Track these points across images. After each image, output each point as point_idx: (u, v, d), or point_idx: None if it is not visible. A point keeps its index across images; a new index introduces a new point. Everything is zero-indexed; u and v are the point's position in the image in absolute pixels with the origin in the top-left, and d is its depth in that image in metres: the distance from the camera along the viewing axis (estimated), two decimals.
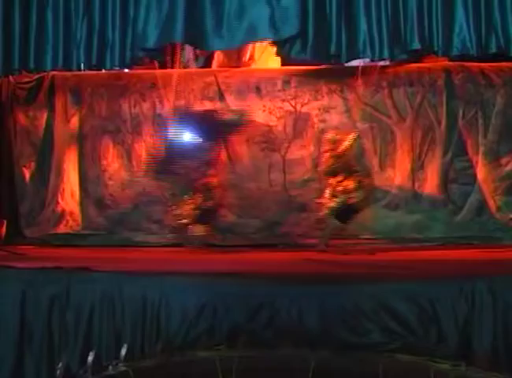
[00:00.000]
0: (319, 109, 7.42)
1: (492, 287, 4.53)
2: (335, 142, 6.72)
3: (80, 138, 7.66)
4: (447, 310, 4.53)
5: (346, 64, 6.77)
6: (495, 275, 4.70)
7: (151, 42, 5.45)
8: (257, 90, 7.48)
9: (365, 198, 6.66)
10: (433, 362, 4.18)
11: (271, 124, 7.48)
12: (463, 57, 5.89)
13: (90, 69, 6.64)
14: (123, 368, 4.14)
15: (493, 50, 5.35)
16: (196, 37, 5.46)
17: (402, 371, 4.23)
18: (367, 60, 6.48)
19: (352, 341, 4.51)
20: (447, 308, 4.53)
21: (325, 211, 6.67)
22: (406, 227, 7.27)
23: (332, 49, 5.43)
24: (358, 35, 5.38)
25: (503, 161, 7.26)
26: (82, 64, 5.81)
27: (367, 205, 6.80)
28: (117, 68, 6.87)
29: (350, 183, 6.58)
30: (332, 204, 6.60)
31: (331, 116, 7.41)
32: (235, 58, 7.55)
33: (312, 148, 7.41)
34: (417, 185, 7.35)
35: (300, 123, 7.43)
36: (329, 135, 6.90)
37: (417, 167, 7.37)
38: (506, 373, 4.24)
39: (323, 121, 7.41)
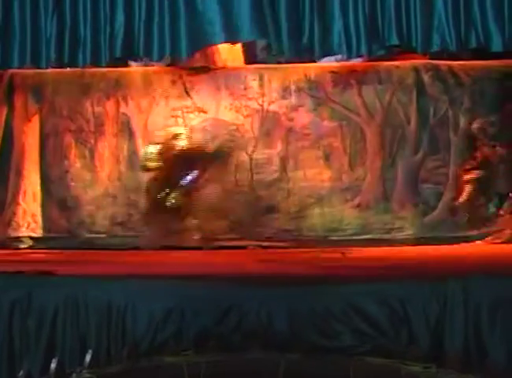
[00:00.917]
0: (287, 108, 7.35)
1: (465, 288, 4.50)
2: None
3: (41, 138, 7.49)
4: (418, 311, 4.49)
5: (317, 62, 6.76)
6: (468, 276, 4.66)
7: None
8: (224, 88, 7.39)
9: None
10: (404, 365, 4.17)
11: (237, 122, 7.39)
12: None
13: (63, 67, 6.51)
14: (87, 375, 4.10)
15: (473, 45, 5.30)
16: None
17: (373, 374, 4.24)
18: (339, 57, 6.43)
19: (322, 344, 4.46)
20: (418, 309, 4.50)
21: None
22: (375, 228, 7.23)
23: (304, 44, 5.34)
24: (333, 30, 5.28)
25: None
26: (51, 62, 5.68)
27: None
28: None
29: None
30: None
31: (299, 114, 7.33)
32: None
33: (279, 147, 7.34)
34: (387, 184, 7.31)
35: (268, 121, 7.36)
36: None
37: (388, 166, 7.34)
38: (477, 374, 4.25)
39: (291, 120, 7.34)
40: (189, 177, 7.12)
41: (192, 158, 7.20)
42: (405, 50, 6.27)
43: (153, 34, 5.33)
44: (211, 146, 7.24)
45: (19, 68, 6.43)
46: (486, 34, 5.25)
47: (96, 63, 5.67)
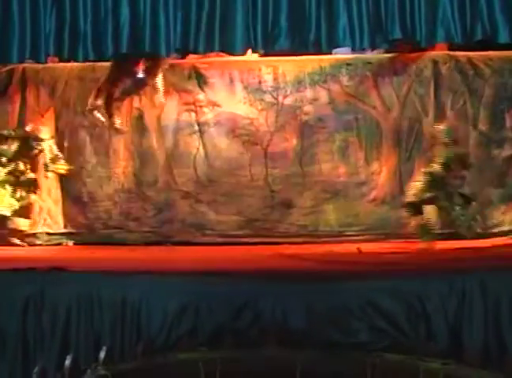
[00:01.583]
0: (302, 101, 7.27)
1: (483, 283, 4.45)
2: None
3: (56, 134, 7.46)
4: (436, 307, 4.45)
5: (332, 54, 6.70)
6: (486, 271, 4.59)
7: None
8: (238, 81, 7.33)
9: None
10: (423, 361, 4.11)
11: (252, 116, 7.33)
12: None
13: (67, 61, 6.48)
14: (102, 372, 4.04)
15: (479, 37, 5.29)
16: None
17: (391, 370, 4.17)
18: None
19: (339, 340, 4.42)
20: (437, 305, 4.46)
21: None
22: (392, 223, 7.14)
23: (311, 37, 5.30)
24: (338, 24, 5.26)
25: (494, 152, 7.16)
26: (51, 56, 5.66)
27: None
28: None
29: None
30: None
31: (314, 107, 7.26)
32: None
33: (295, 141, 7.27)
34: (403, 179, 7.23)
35: (282, 115, 7.29)
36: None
37: (405, 160, 7.25)
38: (497, 370, 4.18)
39: (306, 113, 7.26)
40: None
41: None
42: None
43: (161, 28, 5.31)
44: None
45: (19, 62, 6.41)
46: (493, 25, 5.22)
47: (99, 57, 5.66)
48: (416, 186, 6.46)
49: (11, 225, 7.11)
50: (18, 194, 7.07)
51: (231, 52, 5.95)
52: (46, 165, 7.24)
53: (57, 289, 4.54)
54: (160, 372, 4.18)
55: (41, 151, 7.23)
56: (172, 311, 4.44)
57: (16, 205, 7.04)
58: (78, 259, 5.68)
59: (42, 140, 7.25)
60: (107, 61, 6.86)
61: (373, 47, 5.77)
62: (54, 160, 7.23)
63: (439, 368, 4.03)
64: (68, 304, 4.49)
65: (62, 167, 7.24)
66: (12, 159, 7.10)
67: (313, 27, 5.29)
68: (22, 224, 7.15)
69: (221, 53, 6.74)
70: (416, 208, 6.43)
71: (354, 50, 6.24)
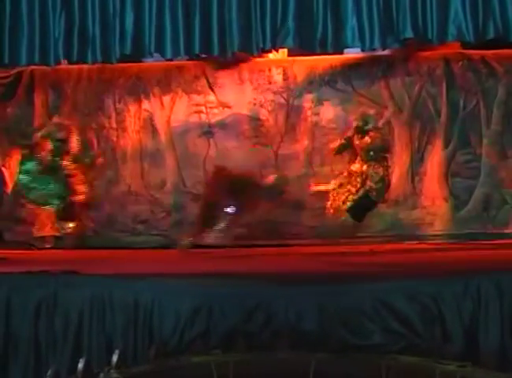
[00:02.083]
0: (312, 102, 7.23)
1: (499, 284, 4.40)
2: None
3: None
4: (451, 309, 4.40)
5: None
6: (502, 271, 4.55)
7: None
8: (247, 82, 7.30)
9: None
10: (438, 363, 4.07)
11: (262, 117, 7.30)
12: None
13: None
14: (115, 375, 4.02)
15: (491, 35, 5.25)
16: None
17: (406, 373, 4.14)
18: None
19: (353, 343, 4.37)
20: (452, 306, 4.40)
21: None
22: (405, 224, 7.10)
23: (318, 37, 5.29)
24: (346, 24, 5.24)
25: (509, 152, 7.12)
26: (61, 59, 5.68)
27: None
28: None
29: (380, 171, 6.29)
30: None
31: (325, 108, 7.22)
32: None
33: (306, 142, 7.24)
34: (416, 179, 7.18)
35: (293, 116, 7.26)
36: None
37: (417, 160, 7.20)
38: None
39: (317, 114, 7.23)
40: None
41: None
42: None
43: (166, 31, 5.30)
44: None
45: (27, 65, 6.41)
46: (505, 24, 5.19)
47: (106, 61, 5.66)
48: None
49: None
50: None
51: (248, 53, 5.91)
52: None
53: (70, 292, 4.51)
54: (173, 375, 4.16)
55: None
56: (185, 314, 4.40)
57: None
58: (89, 262, 5.65)
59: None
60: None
61: (384, 47, 5.72)
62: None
63: (456, 371, 3.99)
64: (80, 307, 4.46)
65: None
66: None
67: (320, 27, 5.26)
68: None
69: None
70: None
71: (364, 51, 6.21)
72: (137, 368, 4.19)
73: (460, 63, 7.16)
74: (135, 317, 4.44)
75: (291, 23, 5.28)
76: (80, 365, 4.07)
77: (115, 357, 4.14)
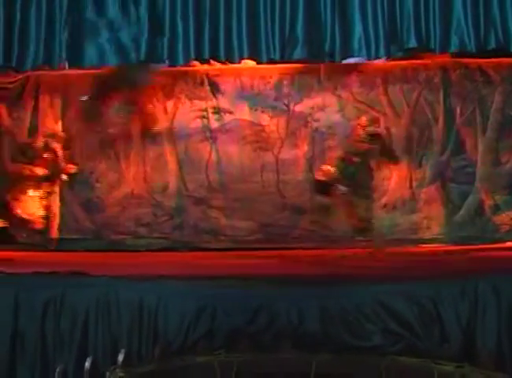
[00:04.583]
0: (312, 108, 7.33)
1: (496, 287, 4.47)
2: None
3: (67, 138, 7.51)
4: (449, 310, 4.46)
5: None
6: (499, 274, 4.62)
7: None
8: (249, 88, 7.39)
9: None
10: (436, 364, 4.13)
11: (263, 123, 7.38)
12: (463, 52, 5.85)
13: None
14: (120, 374, 4.07)
15: (492, 45, 5.32)
16: None
17: (405, 373, 4.19)
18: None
19: (353, 344, 4.43)
20: (450, 308, 4.47)
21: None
22: (403, 228, 7.19)
23: (326, 47, 5.36)
24: (353, 34, 5.32)
25: (503, 159, 7.22)
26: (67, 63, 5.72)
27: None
28: None
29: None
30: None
31: (325, 114, 7.32)
32: None
33: (306, 147, 7.33)
34: (414, 184, 7.27)
35: (293, 122, 7.34)
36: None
37: (414, 166, 7.30)
38: (510, 373, 4.19)
39: (317, 120, 7.32)
40: None
41: None
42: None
43: (179, 37, 5.37)
44: None
45: (32, 69, 6.47)
46: (506, 34, 5.26)
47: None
48: (329, 169, 6.48)
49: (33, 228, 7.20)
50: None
51: (257, 60, 5.96)
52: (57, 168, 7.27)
53: (77, 293, 4.57)
54: (177, 375, 4.21)
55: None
56: (189, 314, 4.45)
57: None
58: (94, 264, 5.70)
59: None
60: None
61: (388, 56, 5.81)
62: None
63: (454, 371, 4.05)
64: (86, 307, 4.52)
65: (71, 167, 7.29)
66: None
67: (328, 37, 5.34)
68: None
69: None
70: (324, 188, 6.45)
71: (369, 59, 6.29)
72: (142, 367, 4.23)
73: (457, 71, 7.25)
74: (140, 318, 4.49)
75: (299, 33, 5.36)
76: (87, 364, 4.14)
77: (121, 357, 4.20)
